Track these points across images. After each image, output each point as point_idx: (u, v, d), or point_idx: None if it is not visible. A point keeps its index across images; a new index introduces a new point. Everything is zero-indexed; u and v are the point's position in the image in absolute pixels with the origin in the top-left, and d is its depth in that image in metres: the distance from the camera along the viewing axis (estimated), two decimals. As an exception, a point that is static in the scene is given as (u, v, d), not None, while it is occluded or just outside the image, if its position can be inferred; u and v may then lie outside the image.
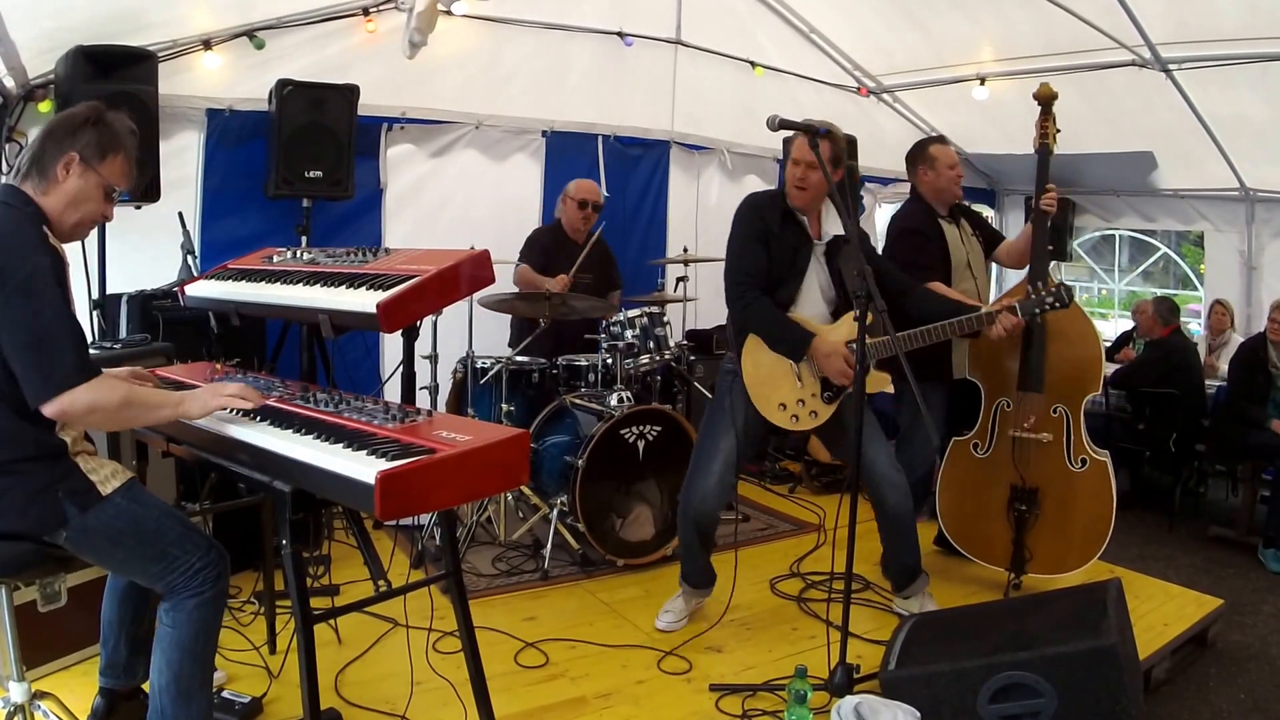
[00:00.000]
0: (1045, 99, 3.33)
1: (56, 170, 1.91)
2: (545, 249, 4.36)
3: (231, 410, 1.96)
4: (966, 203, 3.79)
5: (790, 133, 2.73)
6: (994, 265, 3.80)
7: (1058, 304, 2.87)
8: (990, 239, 3.68)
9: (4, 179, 3.73)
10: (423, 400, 2.94)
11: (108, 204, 2.01)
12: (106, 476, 1.93)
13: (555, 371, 4.09)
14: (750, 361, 2.93)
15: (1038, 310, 2.88)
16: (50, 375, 1.73)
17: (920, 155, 3.53)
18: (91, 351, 2.77)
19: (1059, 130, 3.36)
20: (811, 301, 2.97)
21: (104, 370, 1.86)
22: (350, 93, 4.09)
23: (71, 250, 3.52)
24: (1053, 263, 3.43)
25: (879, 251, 3.44)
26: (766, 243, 2.89)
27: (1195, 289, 7.99)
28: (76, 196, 1.94)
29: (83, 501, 1.86)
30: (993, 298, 3.64)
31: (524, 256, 4.35)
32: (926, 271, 3.37)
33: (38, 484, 1.83)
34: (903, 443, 3.61)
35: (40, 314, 1.75)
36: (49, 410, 1.74)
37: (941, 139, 3.58)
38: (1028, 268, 3.36)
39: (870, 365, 2.85)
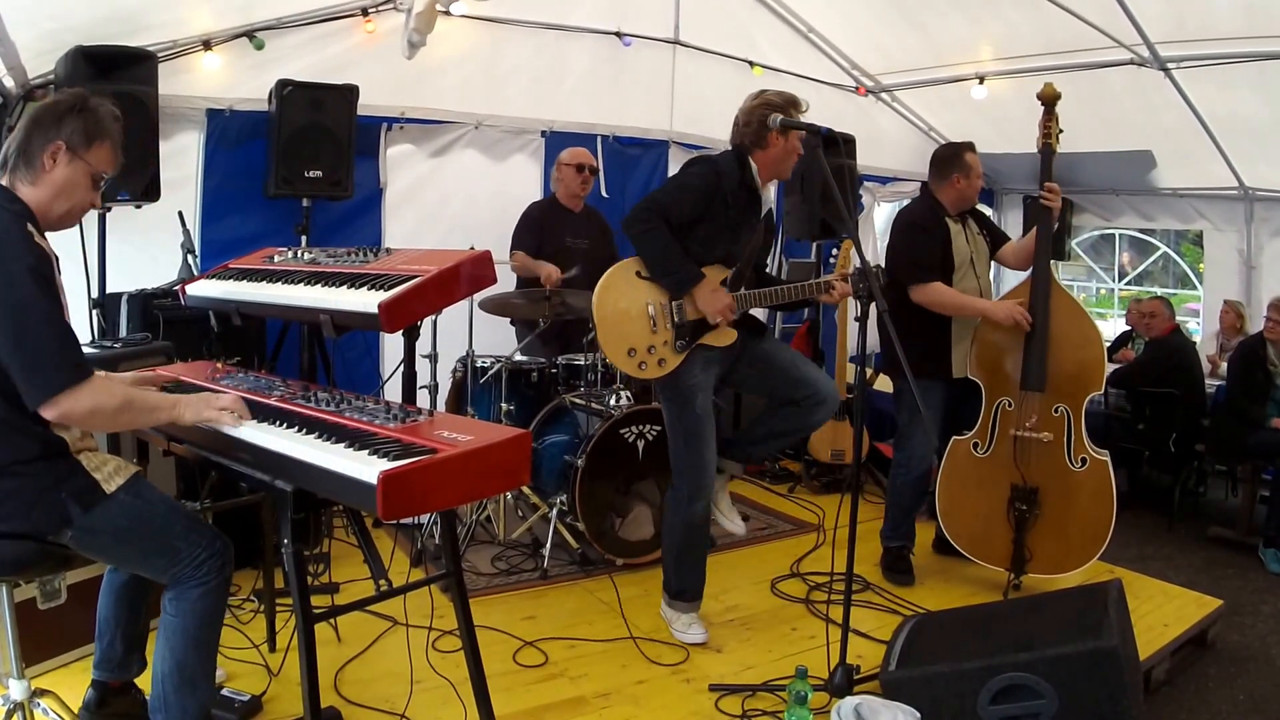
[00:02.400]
0: (1049, 99, 3.33)
1: (43, 159, 1.88)
2: (537, 223, 4.31)
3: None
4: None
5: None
6: (994, 266, 3.78)
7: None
8: (995, 239, 3.67)
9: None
10: (422, 399, 2.94)
11: (95, 192, 1.98)
12: (110, 473, 1.91)
13: (555, 371, 4.08)
14: (606, 302, 2.85)
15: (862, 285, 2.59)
16: (47, 379, 1.72)
17: (957, 162, 3.49)
18: (91, 350, 2.80)
19: (1061, 130, 3.36)
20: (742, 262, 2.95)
21: (104, 372, 1.85)
22: (350, 93, 4.09)
23: (72, 248, 3.53)
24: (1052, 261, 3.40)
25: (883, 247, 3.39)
26: (708, 207, 2.82)
27: (1194, 288, 7.99)
28: (65, 185, 1.90)
29: (87, 500, 1.85)
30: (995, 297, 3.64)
31: (516, 241, 4.28)
32: (927, 270, 3.38)
33: (41, 485, 1.82)
34: (901, 441, 3.61)
35: (28, 318, 1.72)
36: (49, 413, 1.74)
37: (971, 146, 3.57)
38: (1030, 268, 3.37)
39: (740, 314, 2.85)
